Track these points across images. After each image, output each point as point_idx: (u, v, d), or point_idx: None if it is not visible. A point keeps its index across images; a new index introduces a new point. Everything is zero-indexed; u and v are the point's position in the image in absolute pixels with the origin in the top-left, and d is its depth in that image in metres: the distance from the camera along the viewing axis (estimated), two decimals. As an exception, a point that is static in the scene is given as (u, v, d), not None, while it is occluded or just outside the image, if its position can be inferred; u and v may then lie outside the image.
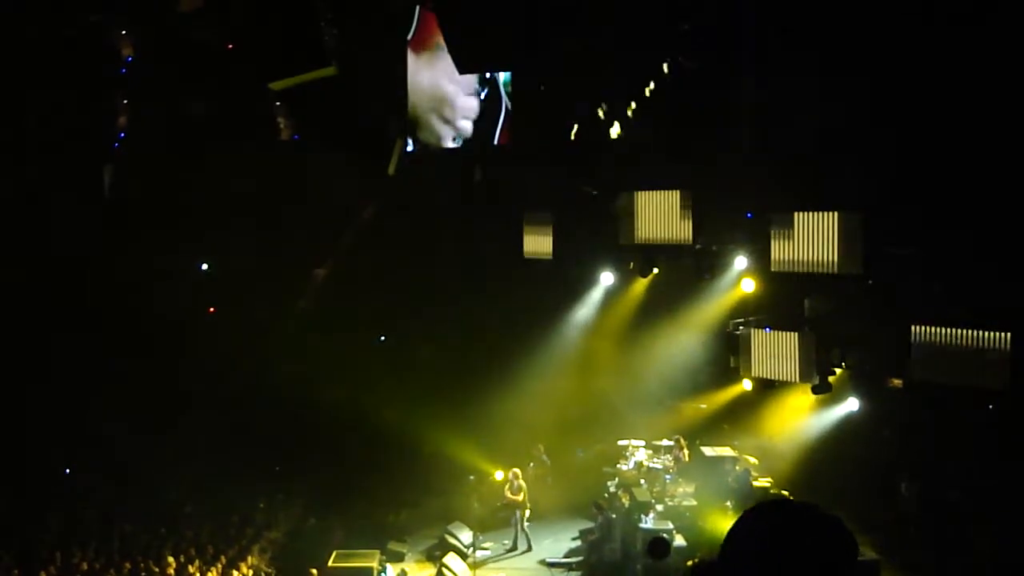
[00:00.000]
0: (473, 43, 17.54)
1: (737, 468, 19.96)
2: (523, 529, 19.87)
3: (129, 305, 25.30)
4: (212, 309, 27.32)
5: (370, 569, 17.61)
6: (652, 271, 19.20)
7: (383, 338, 27.01)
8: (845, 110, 14.36)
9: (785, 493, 18.64)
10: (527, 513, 19.91)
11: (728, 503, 18.69)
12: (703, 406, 22.27)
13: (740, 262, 18.45)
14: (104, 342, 24.67)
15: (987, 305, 14.35)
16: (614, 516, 19.38)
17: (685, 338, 22.35)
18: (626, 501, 19.02)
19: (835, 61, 14.12)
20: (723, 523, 18.24)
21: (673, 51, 17.22)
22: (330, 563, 17.65)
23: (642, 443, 21.51)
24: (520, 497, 19.84)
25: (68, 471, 23.31)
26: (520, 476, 20.21)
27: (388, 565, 18.52)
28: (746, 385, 18.88)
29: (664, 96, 17.43)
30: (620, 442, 21.79)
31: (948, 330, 14.69)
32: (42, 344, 24.65)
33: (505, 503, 20.05)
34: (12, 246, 22.96)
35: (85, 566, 16.82)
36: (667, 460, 20.72)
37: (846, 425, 18.96)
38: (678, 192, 17.50)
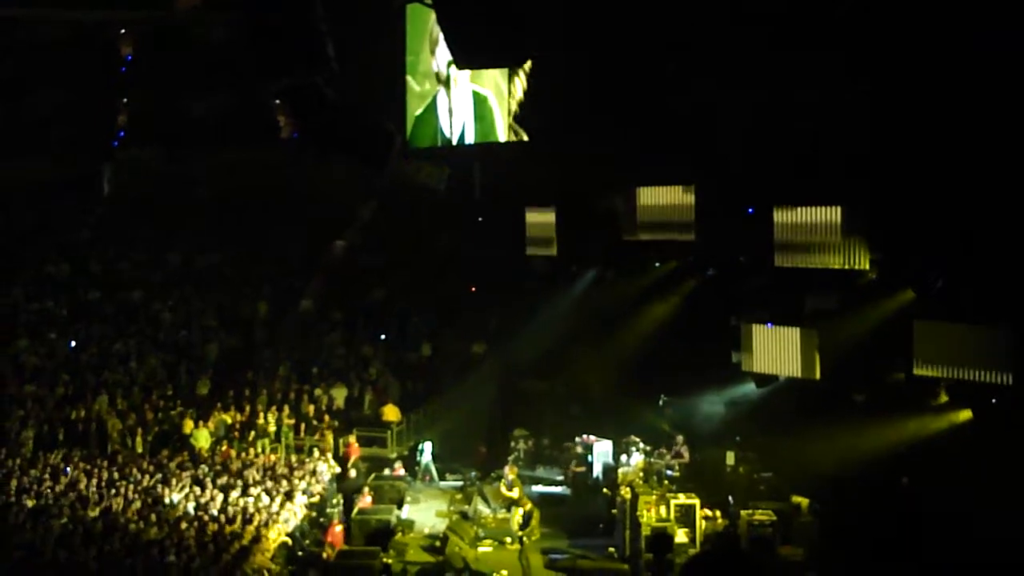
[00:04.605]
0: (472, 38, 17.48)
1: (736, 464, 20.02)
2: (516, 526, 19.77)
3: (127, 304, 25.27)
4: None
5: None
6: (655, 266, 19.24)
7: (383, 336, 26.91)
8: (847, 107, 14.40)
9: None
10: (520, 510, 19.83)
11: (729, 498, 18.72)
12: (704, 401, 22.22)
13: (742, 257, 18.48)
14: (103, 341, 24.59)
15: (989, 300, 14.37)
16: (615, 512, 19.35)
17: (686, 333, 22.31)
18: (628, 497, 19.01)
19: (834, 62, 14.13)
20: (725, 519, 18.28)
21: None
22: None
23: (642, 440, 21.50)
24: (515, 493, 19.82)
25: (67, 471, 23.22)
26: (515, 472, 20.24)
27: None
28: (750, 382, 18.93)
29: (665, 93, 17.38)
30: (622, 440, 21.77)
31: (951, 325, 14.74)
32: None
33: (504, 499, 20.04)
34: (12, 244, 22.97)
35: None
36: (668, 456, 20.73)
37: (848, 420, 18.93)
38: (680, 188, 17.53)
